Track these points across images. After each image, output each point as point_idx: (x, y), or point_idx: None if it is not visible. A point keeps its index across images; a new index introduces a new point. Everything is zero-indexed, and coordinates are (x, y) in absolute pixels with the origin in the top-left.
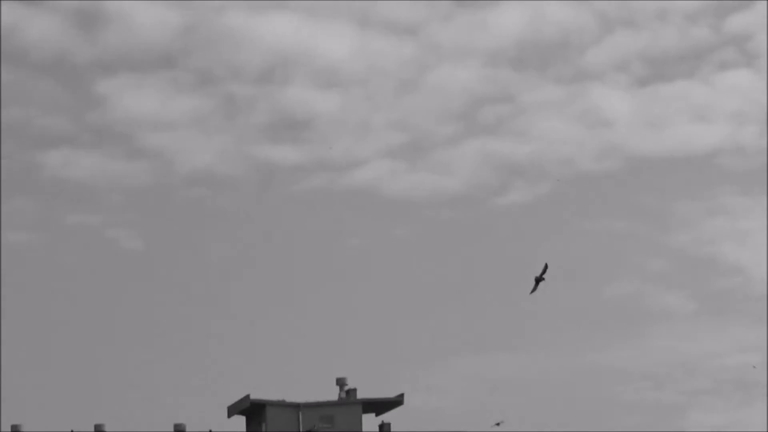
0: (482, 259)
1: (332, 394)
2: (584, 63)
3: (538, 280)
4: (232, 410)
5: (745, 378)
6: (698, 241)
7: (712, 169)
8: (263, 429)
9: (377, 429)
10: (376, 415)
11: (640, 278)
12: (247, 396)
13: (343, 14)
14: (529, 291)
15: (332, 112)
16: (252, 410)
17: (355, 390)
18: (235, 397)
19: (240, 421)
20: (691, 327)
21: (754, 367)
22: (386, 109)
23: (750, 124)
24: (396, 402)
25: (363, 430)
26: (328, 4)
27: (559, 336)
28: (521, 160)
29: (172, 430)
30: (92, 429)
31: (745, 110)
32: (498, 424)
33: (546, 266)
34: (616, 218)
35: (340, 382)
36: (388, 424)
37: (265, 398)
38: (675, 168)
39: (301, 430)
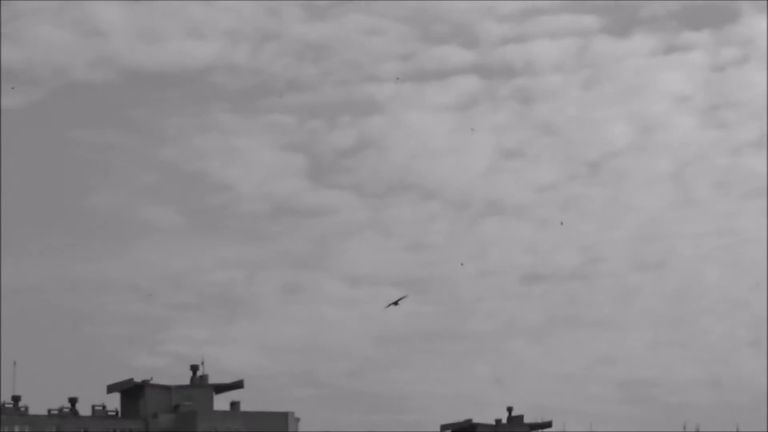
0: None
1: None
2: None
3: (396, 302)
4: None
5: (228, 294)
6: (188, 156)
7: (204, 86)
8: None
9: None
10: None
11: (128, 190)
12: None
13: None
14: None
15: None
16: None
17: None
18: None
19: None
20: (178, 241)
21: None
22: None
23: (243, 42)
24: None
25: None
26: None
27: (42, 244)
28: (14, 66)
29: None
30: None
31: (239, 28)
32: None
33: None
34: (106, 129)
35: None
36: None
37: None
38: (168, 82)
39: None
